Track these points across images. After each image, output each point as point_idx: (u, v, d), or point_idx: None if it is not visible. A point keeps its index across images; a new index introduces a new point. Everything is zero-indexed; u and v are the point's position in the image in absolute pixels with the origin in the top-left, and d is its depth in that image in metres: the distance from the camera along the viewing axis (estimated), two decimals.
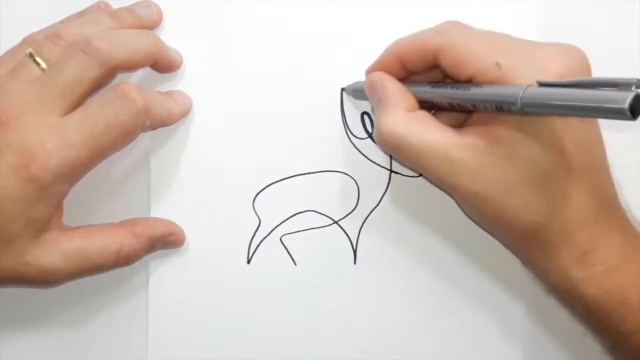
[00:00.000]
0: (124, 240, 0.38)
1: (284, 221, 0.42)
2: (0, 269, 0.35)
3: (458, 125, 0.36)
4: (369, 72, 0.39)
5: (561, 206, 0.34)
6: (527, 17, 0.41)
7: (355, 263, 0.42)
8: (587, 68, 0.34)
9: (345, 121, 0.41)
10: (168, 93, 0.40)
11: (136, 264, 0.39)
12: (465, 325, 0.42)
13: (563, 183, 0.33)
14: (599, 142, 0.35)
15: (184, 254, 0.41)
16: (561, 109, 0.29)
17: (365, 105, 0.41)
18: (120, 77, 0.38)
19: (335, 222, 0.42)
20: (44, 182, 0.34)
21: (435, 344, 0.42)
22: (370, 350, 0.42)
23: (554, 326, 0.42)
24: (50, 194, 0.35)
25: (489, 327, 0.42)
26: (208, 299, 0.41)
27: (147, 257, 0.40)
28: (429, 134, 0.34)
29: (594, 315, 0.35)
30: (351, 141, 0.41)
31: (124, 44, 0.37)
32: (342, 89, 0.41)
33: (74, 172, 0.35)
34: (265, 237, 0.42)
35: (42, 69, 0.36)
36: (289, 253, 0.42)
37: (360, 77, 0.40)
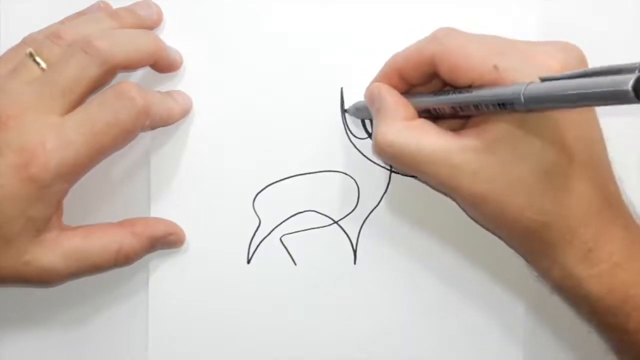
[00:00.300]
0: (123, 240, 0.38)
1: (284, 221, 0.42)
2: None
3: (458, 130, 0.36)
4: (367, 89, 0.39)
5: (564, 204, 0.33)
6: (527, 17, 0.41)
7: (355, 263, 0.42)
8: (585, 65, 0.34)
9: (345, 121, 0.41)
10: (168, 93, 0.40)
11: (136, 263, 0.39)
12: (466, 325, 0.42)
13: (565, 180, 0.33)
14: (600, 139, 0.35)
15: (184, 254, 0.41)
16: (565, 101, 0.29)
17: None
18: (120, 76, 0.38)
19: (335, 222, 0.42)
20: (44, 182, 0.34)
21: (435, 344, 0.42)
22: (370, 350, 0.42)
23: (554, 326, 0.42)
24: (50, 194, 0.35)
25: (489, 327, 0.42)
26: (208, 299, 0.41)
27: (147, 257, 0.40)
28: (427, 140, 0.34)
29: (598, 314, 0.34)
30: (351, 141, 0.41)
31: (124, 43, 0.37)
32: (345, 110, 0.41)
33: (73, 172, 0.35)
34: (265, 237, 0.42)
35: (42, 69, 0.36)
36: (289, 253, 0.42)
37: (361, 77, 0.40)
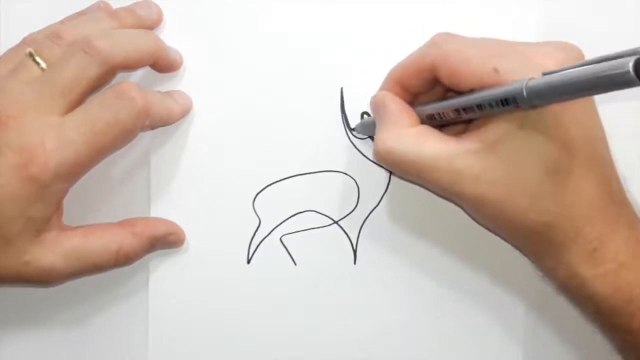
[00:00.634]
0: (123, 240, 0.38)
1: (284, 221, 0.42)
2: None
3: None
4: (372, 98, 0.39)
5: (568, 203, 0.33)
6: (527, 17, 0.41)
7: (355, 263, 0.42)
8: None
9: (346, 121, 0.41)
10: (168, 93, 0.40)
11: (136, 263, 0.39)
12: (466, 325, 0.42)
13: (568, 179, 0.33)
14: (602, 137, 0.35)
15: (184, 254, 0.41)
16: (567, 92, 0.28)
17: (366, 106, 0.41)
18: (120, 76, 0.38)
19: (335, 222, 0.42)
20: (44, 182, 0.34)
21: (435, 344, 0.42)
22: (370, 350, 0.42)
23: (554, 326, 0.42)
24: (49, 194, 0.35)
25: (489, 327, 0.42)
26: (208, 299, 0.41)
27: (147, 257, 0.40)
28: (427, 146, 0.34)
29: (603, 314, 0.34)
30: (351, 141, 0.41)
31: (124, 43, 0.37)
32: (352, 129, 0.41)
33: (73, 172, 0.35)
34: (265, 237, 0.42)
35: (42, 69, 0.36)
36: (289, 253, 0.42)
37: (360, 77, 0.40)
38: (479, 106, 0.33)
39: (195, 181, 0.41)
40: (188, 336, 0.42)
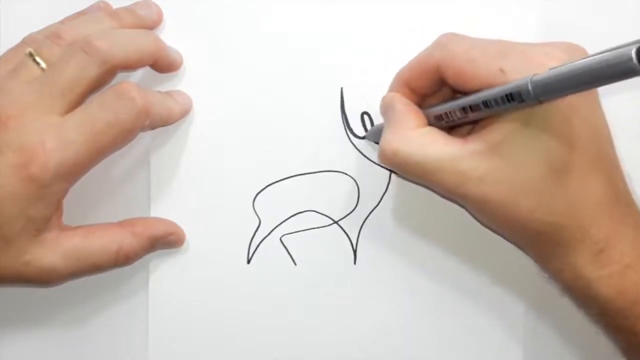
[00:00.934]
0: (123, 240, 0.38)
1: (284, 221, 0.42)
2: None
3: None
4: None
5: (575, 203, 0.33)
6: (527, 17, 0.41)
7: (355, 263, 0.42)
8: None
9: (346, 121, 0.41)
10: (168, 93, 0.40)
11: (136, 263, 0.39)
12: (466, 325, 0.42)
13: (575, 179, 0.33)
14: (608, 135, 0.35)
15: (184, 254, 0.41)
16: (572, 84, 0.28)
17: (366, 106, 0.41)
18: (120, 76, 0.38)
19: (335, 222, 0.42)
20: (44, 182, 0.34)
21: (435, 344, 0.42)
22: (370, 350, 0.42)
23: (554, 326, 0.42)
24: (49, 194, 0.35)
25: (489, 327, 0.42)
26: (208, 299, 0.41)
27: (147, 257, 0.40)
28: (433, 147, 0.34)
29: (608, 316, 0.34)
30: (351, 141, 0.41)
31: (124, 43, 0.37)
32: (362, 137, 0.41)
33: (73, 172, 0.35)
34: (265, 237, 0.42)
35: (42, 69, 0.36)
36: (289, 253, 0.42)
37: (360, 77, 0.40)
38: (485, 103, 0.32)
39: (195, 181, 0.41)
40: (188, 336, 0.42)
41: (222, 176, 0.41)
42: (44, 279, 0.36)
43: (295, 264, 0.42)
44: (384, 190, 0.41)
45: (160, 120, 0.38)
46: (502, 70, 0.32)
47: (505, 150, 0.33)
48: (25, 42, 0.38)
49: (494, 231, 0.37)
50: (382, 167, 0.41)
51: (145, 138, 0.41)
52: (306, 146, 0.41)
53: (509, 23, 0.40)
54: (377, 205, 0.42)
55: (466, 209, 0.36)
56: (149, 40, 0.38)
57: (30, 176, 0.34)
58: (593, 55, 0.28)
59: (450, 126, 0.36)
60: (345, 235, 0.42)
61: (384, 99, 0.38)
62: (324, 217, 0.42)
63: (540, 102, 0.30)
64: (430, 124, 0.36)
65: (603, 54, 0.27)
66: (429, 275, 0.42)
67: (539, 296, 0.41)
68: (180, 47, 0.40)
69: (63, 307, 0.42)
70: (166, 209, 0.41)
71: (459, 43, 0.35)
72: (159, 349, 0.42)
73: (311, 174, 0.41)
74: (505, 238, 0.37)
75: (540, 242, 0.34)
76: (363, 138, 0.41)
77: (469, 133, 0.35)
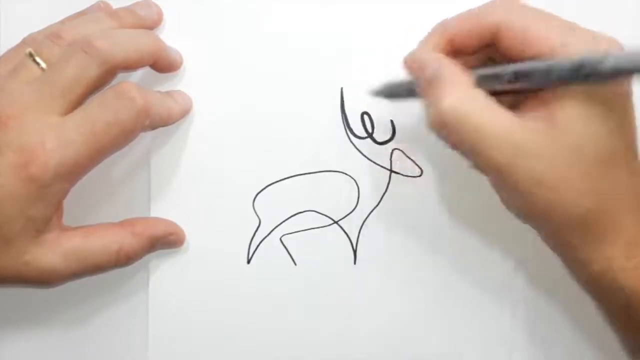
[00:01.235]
0: (123, 240, 0.38)
1: (284, 221, 0.42)
2: None
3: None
4: (409, 57, 0.35)
5: (617, 192, 0.32)
6: None
7: (355, 263, 0.42)
8: None
9: (346, 121, 0.41)
10: (168, 93, 0.40)
11: (136, 264, 0.39)
12: (466, 325, 0.42)
13: (624, 168, 0.32)
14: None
15: (184, 254, 0.41)
16: None
17: (366, 106, 0.41)
18: (120, 76, 0.38)
19: (335, 222, 0.42)
20: (44, 182, 0.34)
21: (435, 344, 0.42)
22: (370, 350, 0.42)
23: (554, 326, 0.42)
24: (50, 194, 0.35)
25: (489, 327, 0.42)
26: (208, 299, 0.41)
27: (147, 257, 0.40)
28: (491, 115, 0.32)
29: (633, 310, 0.33)
30: (351, 141, 0.41)
31: (124, 43, 0.37)
32: (353, 134, 0.41)
33: (73, 172, 0.35)
34: (265, 237, 0.42)
35: (42, 69, 0.36)
36: (289, 253, 0.42)
37: (361, 77, 0.40)
38: (546, 73, 0.31)
39: (195, 181, 0.41)
40: (188, 336, 0.42)
41: (222, 176, 0.41)
42: (44, 279, 0.36)
43: (295, 264, 0.42)
44: (384, 190, 0.41)
45: (160, 120, 0.38)
46: (564, 44, 0.31)
47: (565, 134, 0.31)
48: (25, 42, 0.38)
49: (521, 215, 0.35)
50: (382, 167, 0.41)
51: (145, 138, 0.41)
52: (306, 146, 0.41)
53: None
54: (377, 205, 0.42)
55: (497, 187, 0.34)
56: (149, 40, 0.38)
57: (30, 176, 0.34)
58: None
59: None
60: (345, 235, 0.42)
61: (419, 55, 0.35)
62: (324, 217, 0.42)
63: (606, 81, 0.29)
64: None
65: None
66: (429, 276, 0.42)
67: (540, 297, 0.41)
68: (180, 47, 0.40)
69: (63, 307, 0.42)
70: (166, 209, 0.41)
71: (520, 9, 0.33)
72: (159, 349, 0.42)
73: (311, 174, 0.41)
74: (530, 222, 0.35)
75: (577, 229, 0.33)
76: (363, 138, 0.41)
77: (511, 106, 0.34)
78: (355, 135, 0.41)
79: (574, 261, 0.34)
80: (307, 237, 0.42)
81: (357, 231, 0.42)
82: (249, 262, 0.42)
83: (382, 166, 0.41)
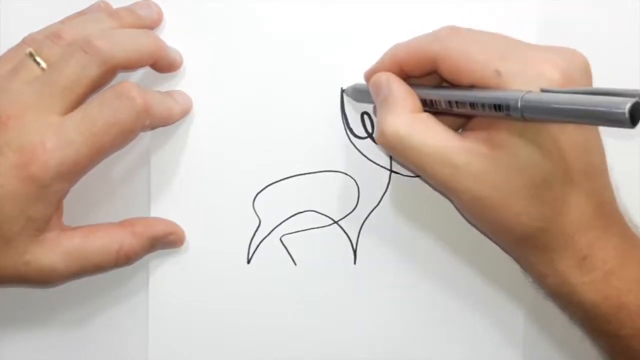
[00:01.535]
0: (123, 240, 0.38)
1: (284, 221, 0.42)
2: None
3: (455, 130, 0.36)
4: (368, 74, 0.39)
5: (560, 211, 0.34)
6: (527, 17, 0.41)
7: (355, 263, 0.42)
8: (589, 74, 0.34)
9: (346, 121, 0.41)
10: (168, 93, 0.40)
11: (136, 264, 0.39)
12: (465, 326, 0.42)
13: (562, 188, 0.34)
14: (599, 146, 0.35)
15: (184, 254, 0.41)
16: (560, 115, 0.29)
17: (366, 106, 0.41)
18: (120, 76, 0.38)
19: (335, 222, 0.42)
20: (44, 181, 0.34)
21: (435, 345, 0.42)
22: (370, 350, 0.42)
23: (554, 328, 0.42)
24: (50, 193, 0.35)
25: (489, 328, 0.42)
26: (208, 299, 0.41)
27: (147, 257, 0.40)
28: (432, 136, 0.34)
29: (592, 320, 0.35)
30: (351, 141, 0.41)
31: (124, 43, 0.37)
32: (342, 90, 0.41)
33: (73, 171, 0.35)
34: (265, 237, 0.42)
35: (42, 69, 0.36)
36: (289, 253, 0.42)
37: (361, 77, 0.40)
38: (472, 105, 0.33)
39: (195, 181, 0.41)
40: (188, 336, 0.42)
41: (222, 176, 0.41)
42: (44, 279, 0.36)
43: (295, 264, 0.42)
44: (384, 190, 0.42)
45: (160, 120, 0.38)
46: (498, 72, 0.32)
47: (501, 156, 0.33)
48: (25, 42, 0.37)
49: (480, 230, 0.37)
50: (382, 167, 0.41)
51: (145, 138, 0.41)
52: (306, 146, 0.41)
53: (509, 23, 0.40)
54: (377, 205, 0.42)
55: (454, 204, 0.37)
56: (149, 40, 0.38)
57: (30, 176, 0.34)
58: (589, 92, 0.28)
59: (431, 112, 0.36)
60: (345, 235, 0.42)
61: (378, 77, 0.37)
62: (324, 217, 0.42)
63: (525, 120, 0.31)
64: None
65: (598, 98, 0.28)
66: (429, 276, 0.42)
67: (539, 298, 0.41)
68: (180, 47, 0.40)
69: (63, 307, 0.42)
70: (166, 209, 0.41)
71: (458, 38, 0.35)
72: (159, 349, 0.42)
73: (311, 174, 0.41)
74: (492, 240, 0.37)
75: (526, 247, 0.35)
76: (363, 138, 0.41)
77: (456, 127, 0.36)
78: (355, 135, 0.41)
79: (533, 274, 0.36)
80: (307, 237, 0.42)
81: (357, 231, 0.42)
82: (249, 262, 0.42)
83: (382, 166, 0.41)
